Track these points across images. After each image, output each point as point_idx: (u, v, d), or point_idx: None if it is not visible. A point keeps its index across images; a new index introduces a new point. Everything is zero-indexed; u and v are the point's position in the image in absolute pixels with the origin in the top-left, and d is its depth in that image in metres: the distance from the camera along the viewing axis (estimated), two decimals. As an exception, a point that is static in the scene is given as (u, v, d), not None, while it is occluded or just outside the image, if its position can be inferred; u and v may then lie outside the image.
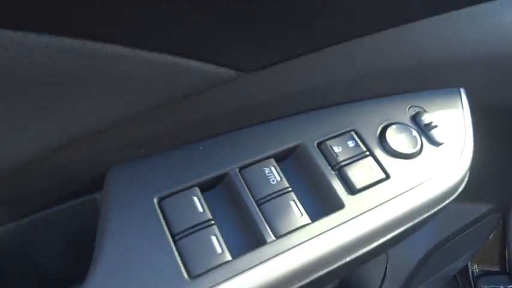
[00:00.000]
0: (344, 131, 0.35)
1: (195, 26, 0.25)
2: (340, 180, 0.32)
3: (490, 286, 1.04)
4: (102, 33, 0.24)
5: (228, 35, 0.27)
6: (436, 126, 0.36)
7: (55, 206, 0.33)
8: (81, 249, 0.34)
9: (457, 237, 0.72)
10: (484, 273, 1.07)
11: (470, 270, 1.06)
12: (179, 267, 0.27)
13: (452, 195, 0.35)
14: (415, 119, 0.36)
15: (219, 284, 0.27)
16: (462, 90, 0.38)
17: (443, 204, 0.35)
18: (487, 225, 0.77)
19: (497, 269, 1.06)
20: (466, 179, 0.36)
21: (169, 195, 0.30)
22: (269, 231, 0.29)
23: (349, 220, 0.31)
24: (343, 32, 0.31)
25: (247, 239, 0.30)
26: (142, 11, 0.24)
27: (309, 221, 0.30)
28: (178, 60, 0.27)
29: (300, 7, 0.27)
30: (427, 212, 0.34)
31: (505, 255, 1.04)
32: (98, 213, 0.33)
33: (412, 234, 0.39)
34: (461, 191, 0.37)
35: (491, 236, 1.03)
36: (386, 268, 0.71)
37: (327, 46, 0.30)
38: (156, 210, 0.29)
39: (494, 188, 0.66)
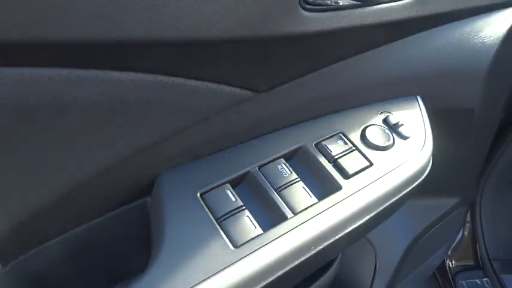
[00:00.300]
0: (334, 133, 0.44)
1: (225, 61, 0.35)
2: (336, 169, 0.41)
3: (467, 281, 1.12)
4: (151, 67, 0.32)
5: (247, 66, 0.37)
6: (402, 124, 0.46)
7: (111, 211, 0.41)
8: (137, 245, 0.42)
9: (430, 232, 0.79)
10: (461, 269, 1.14)
11: (447, 267, 1.13)
12: (225, 240, 0.35)
13: (420, 177, 0.45)
14: (386, 120, 0.46)
15: (256, 250, 0.35)
16: (419, 97, 0.49)
17: (415, 184, 0.45)
18: (456, 219, 0.86)
19: (472, 263, 1.14)
20: (430, 164, 0.46)
21: (209, 191, 0.38)
22: (288, 210, 0.38)
23: (346, 198, 0.39)
24: (330, 57, 0.41)
25: (272, 217, 0.38)
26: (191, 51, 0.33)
27: (317, 201, 0.39)
28: (213, 85, 0.36)
29: (296, 45, 0.37)
30: (403, 190, 0.43)
31: (477, 250, 1.12)
32: (148, 212, 0.41)
33: (395, 219, 0.48)
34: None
35: (467, 232, 1.12)
36: (376, 264, 0.79)
37: (319, 69, 0.40)
38: (200, 203, 0.38)
39: (458, 182, 0.76)
